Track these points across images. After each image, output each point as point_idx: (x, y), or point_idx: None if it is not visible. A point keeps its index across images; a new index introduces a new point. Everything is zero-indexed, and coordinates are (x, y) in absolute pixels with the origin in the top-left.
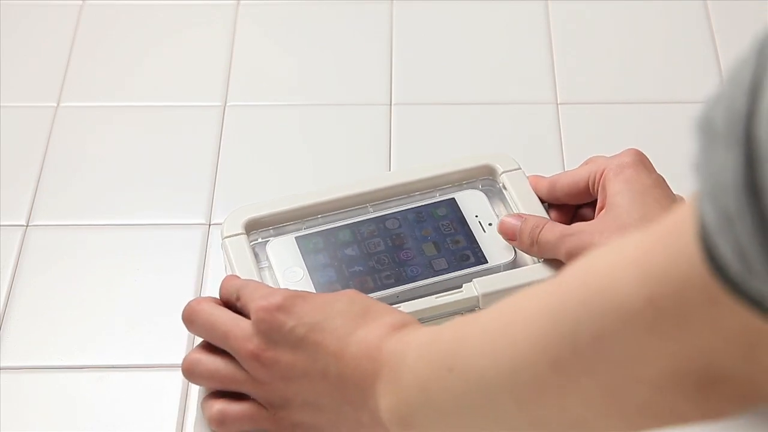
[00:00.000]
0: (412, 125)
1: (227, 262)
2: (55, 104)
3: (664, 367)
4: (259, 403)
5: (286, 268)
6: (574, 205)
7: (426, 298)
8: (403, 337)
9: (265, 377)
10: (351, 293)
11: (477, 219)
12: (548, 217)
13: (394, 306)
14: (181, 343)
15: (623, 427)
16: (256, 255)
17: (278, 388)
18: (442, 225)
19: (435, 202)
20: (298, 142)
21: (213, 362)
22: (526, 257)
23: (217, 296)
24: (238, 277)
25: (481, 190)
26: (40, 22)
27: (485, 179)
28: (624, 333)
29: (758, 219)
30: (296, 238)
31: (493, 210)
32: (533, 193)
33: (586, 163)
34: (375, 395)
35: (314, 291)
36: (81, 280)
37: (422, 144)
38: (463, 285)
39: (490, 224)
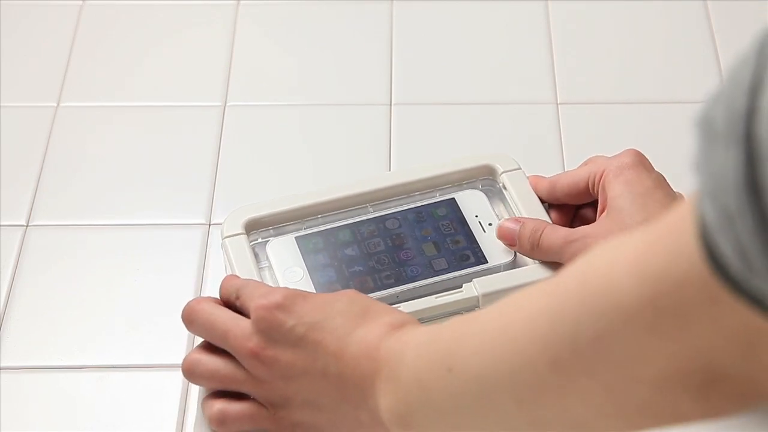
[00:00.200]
0: (412, 125)
1: (227, 262)
2: (55, 104)
3: (665, 367)
4: (260, 403)
5: (286, 268)
6: (574, 206)
7: (426, 298)
8: (402, 336)
9: (264, 376)
10: (351, 293)
11: (477, 219)
12: (548, 218)
13: (394, 306)
14: (181, 343)
15: (623, 426)
16: (256, 255)
17: (278, 387)
18: (442, 225)
19: (435, 202)
20: (298, 142)
21: (213, 362)
22: (527, 258)
23: (217, 296)
24: (238, 277)
25: (481, 190)
26: (40, 22)
27: (485, 179)
28: (624, 333)
29: (759, 217)
30: (296, 238)
31: (493, 210)
32: (533, 193)
33: (585, 163)
34: (374, 394)
35: (314, 291)
36: (81, 280)
37: (422, 144)
38: (463, 285)
39: (490, 224)
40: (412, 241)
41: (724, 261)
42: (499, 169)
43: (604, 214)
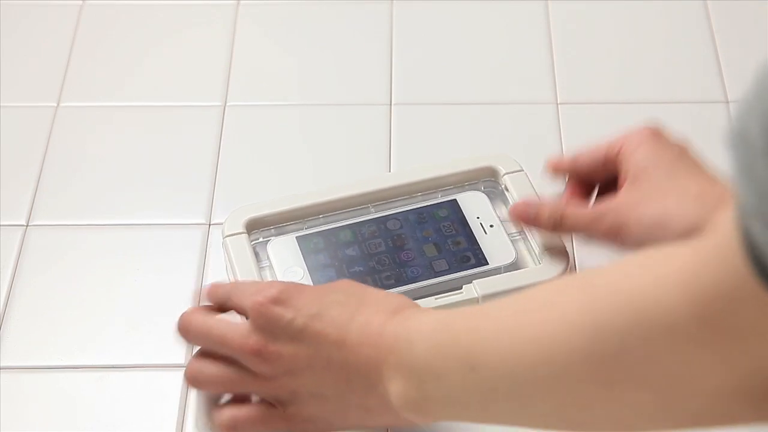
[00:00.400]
0: (412, 125)
1: (228, 261)
2: (55, 104)
3: (723, 381)
4: (269, 402)
5: (287, 267)
6: (591, 186)
7: (426, 299)
8: (405, 321)
9: (269, 373)
10: (345, 283)
11: (478, 220)
12: None
13: None
14: (181, 344)
15: (673, 428)
16: (256, 254)
17: (284, 382)
18: (444, 226)
19: (436, 203)
20: (298, 142)
21: (215, 368)
22: (527, 259)
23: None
24: (223, 283)
25: (483, 192)
26: (40, 22)
27: (487, 180)
28: (678, 350)
29: None
30: (297, 237)
31: (495, 211)
32: (536, 195)
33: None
34: (382, 381)
35: None
36: (81, 280)
37: (422, 144)
38: (464, 286)
39: (491, 226)
40: (412, 242)
41: None
42: (501, 170)
43: (626, 184)
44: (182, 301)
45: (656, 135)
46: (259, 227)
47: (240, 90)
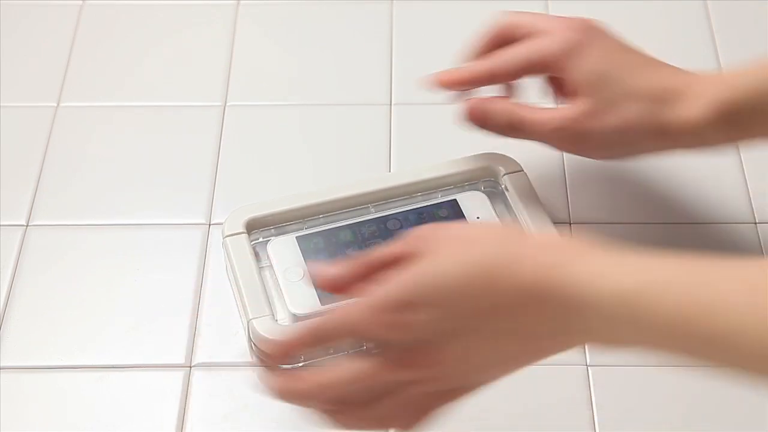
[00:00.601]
0: (412, 125)
1: (228, 261)
2: (55, 104)
3: None
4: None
5: (287, 267)
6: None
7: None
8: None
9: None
10: (474, 270)
11: (478, 220)
12: (553, 227)
13: None
14: (181, 343)
15: None
16: (256, 254)
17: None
18: None
19: (436, 203)
20: (298, 142)
21: (341, 371)
22: None
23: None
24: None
25: (483, 192)
26: (40, 22)
27: (487, 180)
28: None
29: None
30: (297, 237)
31: (495, 212)
32: (536, 195)
33: (509, 41)
34: (564, 337)
35: (314, 291)
36: (81, 280)
37: (422, 144)
38: None
39: None
40: None
41: None
42: (502, 170)
43: (583, 92)
44: (182, 301)
45: (595, 31)
46: (259, 227)
47: (240, 90)
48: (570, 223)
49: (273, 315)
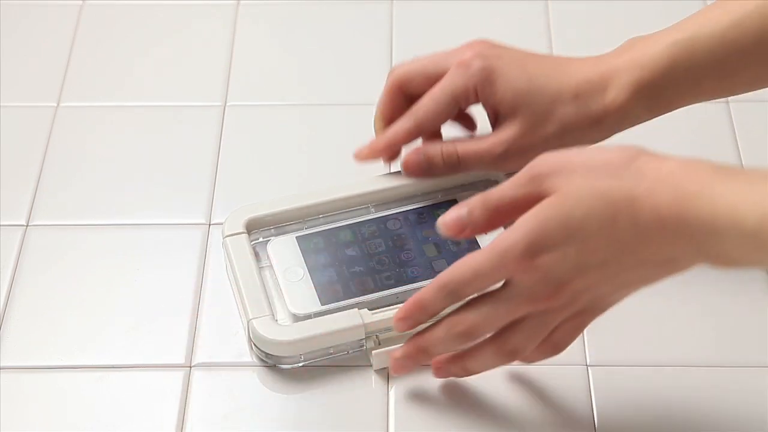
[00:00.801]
0: None
1: (228, 261)
2: (55, 104)
3: None
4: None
5: (287, 267)
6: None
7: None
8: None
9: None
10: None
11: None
12: None
13: (394, 306)
14: (181, 343)
15: None
16: (256, 254)
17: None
18: None
19: (437, 203)
20: (298, 142)
21: (476, 311)
22: None
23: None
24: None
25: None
26: (40, 22)
27: (487, 181)
28: None
29: None
30: (297, 237)
31: None
32: None
33: (429, 79)
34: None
35: (314, 291)
36: (81, 280)
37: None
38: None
39: None
40: (413, 242)
41: None
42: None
43: (509, 116)
44: (182, 301)
45: (495, 49)
46: (259, 227)
47: (240, 90)
48: None
49: (273, 315)
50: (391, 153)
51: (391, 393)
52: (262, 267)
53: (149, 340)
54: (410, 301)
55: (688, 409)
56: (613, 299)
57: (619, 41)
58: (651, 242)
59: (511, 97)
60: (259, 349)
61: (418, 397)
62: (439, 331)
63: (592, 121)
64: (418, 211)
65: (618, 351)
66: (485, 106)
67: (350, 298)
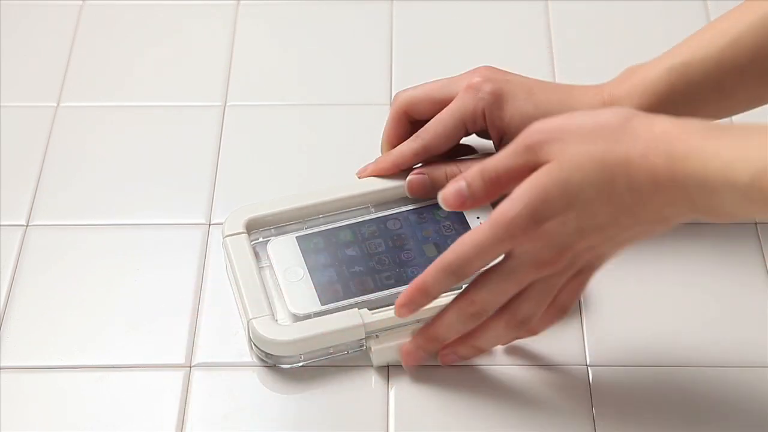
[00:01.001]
0: None
1: (227, 261)
2: (55, 104)
3: None
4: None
5: (287, 267)
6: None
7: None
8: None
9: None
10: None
11: (479, 220)
12: None
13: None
14: (181, 343)
15: None
16: (256, 254)
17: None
18: (444, 226)
19: (436, 203)
20: (298, 142)
21: (489, 288)
22: None
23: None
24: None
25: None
26: (40, 22)
27: None
28: None
29: None
30: (297, 237)
31: None
32: None
33: (437, 104)
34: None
35: (314, 291)
36: (81, 280)
37: None
38: (464, 287)
39: None
40: (413, 242)
41: None
42: None
43: (511, 140)
44: (182, 301)
45: (499, 73)
46: (259, 227)
47: (240, 90)
48: None
49: (273, 315)
50: (395, 173)
51: (391, 393)
52: (262, 267)
53: (149, 340)
54: (412, 285)
55: (688, 409)
56: (610, 255)
57: (618, 41)
58: (647, 203)
59: (518, 121)
60: (259, 349)
61: (418, 397)
62: (450, 317)
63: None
64: (418, 211)
65: (618, 351)
66: (491, 129)
67: (350, 298)
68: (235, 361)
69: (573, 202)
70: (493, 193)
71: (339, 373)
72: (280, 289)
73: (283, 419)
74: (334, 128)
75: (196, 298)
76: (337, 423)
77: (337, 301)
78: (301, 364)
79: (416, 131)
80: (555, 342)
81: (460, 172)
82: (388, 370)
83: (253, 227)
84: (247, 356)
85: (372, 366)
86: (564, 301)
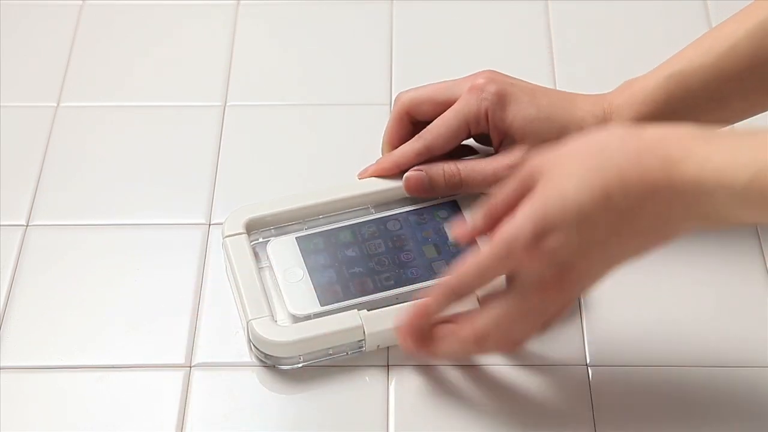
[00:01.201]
0: None
1: (227, 261)
2: (55, 104)
3: None
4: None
5: (286, 268)
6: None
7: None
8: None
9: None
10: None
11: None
12: None
13: (393, 307)
14: (181, 343)
15: None
16: (256, 254)
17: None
18: (444, 227)
19: (436, 204)
20: (298, 142)
21: (492, 310)
22: None
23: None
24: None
25: (483, 193)
26: (40, 22)
27: None
28: None
29: None
30: (297, 238)
31: None
32: None
33: (439, 106)
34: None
35: (314, 292)
36: (81, 280)
37: None
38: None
39: None
40: (412, 243)
41: None
42: None
43: (518, 143)
44: (182, 301)
45: (502, 77)
46: (258, 227)
47: (240, 90)
48: None
49: (272, 316)
50: (397, 174)
51: (391, 393)
52: (262, 267)
53: (149, 340)
54: (414, 311)
55: (688, 409)
56: (606, 275)
57: (618, 41)
58: (644, 209)
59: (521, 123)
60: (258, 349)
61: (418, 397)
62: (453, 345)
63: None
64: (418, 212)
65: (618, 351)
66: (492, 131)
67: (350, 299)
68: (234, 362)
69: (571, 214)
70: (495, 223)
71: (339, 373)
72: (280, 290)
73: (282, 419)
74: (334, 128)
75: (196, 298)
76: (337, 423)
77: (336, 302)
78: (300, 365)
79: (417, 132)
80: (555, 342)
81: (458, 170)
82: (388, 371)
83: (253, 227)
84: (247, 356)
85: (372, 366)
86: (553, 320)
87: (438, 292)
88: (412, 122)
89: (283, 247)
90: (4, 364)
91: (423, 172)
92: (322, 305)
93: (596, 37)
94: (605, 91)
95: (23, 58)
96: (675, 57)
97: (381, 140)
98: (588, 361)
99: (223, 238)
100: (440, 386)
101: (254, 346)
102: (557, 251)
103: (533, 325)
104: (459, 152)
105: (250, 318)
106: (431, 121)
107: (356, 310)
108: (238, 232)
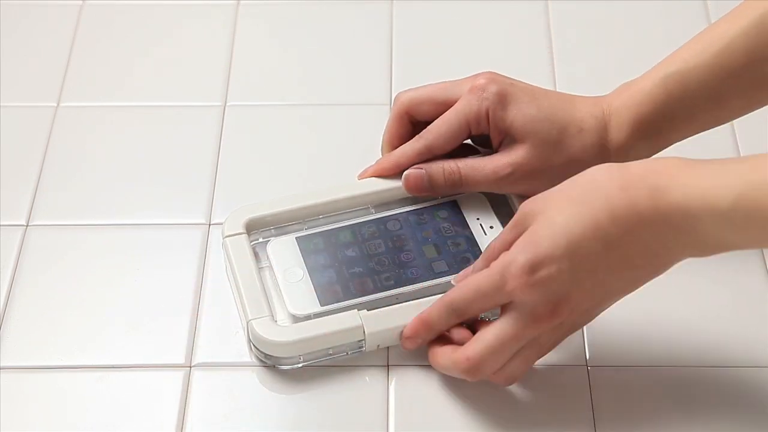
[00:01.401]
0: None
1: (227, 261)
2: (55, 104)
3: None
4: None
5: (286, 268)
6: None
7: (425, 299)
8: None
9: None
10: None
11: (478, 222)
12: None
13: (392, 306)
14: (181, 343)
15: None
16: (256, 254)
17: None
18: (443, 227)
19: (436, 204)
20: (298, 142)
21: (487, 337)
22: None
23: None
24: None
25: (483, 193)
26: (40, 22)
27: None
28: None
29: None
30: (297, 238)
31: (495, 213)
32: None
33: (441, 105)
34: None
35: (314, 292)
36: (81, 280)
37: None
38: None
39: (491, 227)
40: (412, 243)
41: None
42: None
43: (519, 142)
44: (182, 301)
45: (502, 78)
46: (258, 227)
47: (240, 90)
48: None
49: (272, 316)
50: (397, 174)
51: (391, 393)
52: (262, 267)
53: (149, 340)
54: (416, 320)
55: (688, 409)
56: (600, 310)
57: (618, 41)
58: (633, 238)
59: (521, 123)
60: (258, 349)
61: (418, 397)
62: (447, 364)
63: (596, 156)
64: (418, 212)
65: (618, 351)
66: (493, 131)
67: (350, 299)
68: (234, 362)
69: (561, 243)
70: None
71: (339, 373)
72: (280, 290)
73: (282, 419)
74: (334, 128)
75: (196, 298)
76: (337, 423)
77: (336, 302)
78: (300, 365)
79: (417, 132)
80: None
81: (458, 168)
82: (388, 371)
83: (253, 227)
84: (247, 356)
85: (372, 366)
86: (542, 352)
87: (440, 306)
88: (411, 122)
89: (283, 247)
90: (4, 364)
91: (422, 170)
92: (322, 305)
93: (596, 37)
94: (605, 92)
95: (23, 58)
96: (670, 58)
97: (381, 140)
98: (588, 362)
99: (223, 238)
100: (440, 386)
101: (254, 346)
102: (549, 281)
103: (527, 359)
104: (460, 152)
105: (250, 318)
106: (431, 122)
107: (356, 310)
108: (238, 232)
